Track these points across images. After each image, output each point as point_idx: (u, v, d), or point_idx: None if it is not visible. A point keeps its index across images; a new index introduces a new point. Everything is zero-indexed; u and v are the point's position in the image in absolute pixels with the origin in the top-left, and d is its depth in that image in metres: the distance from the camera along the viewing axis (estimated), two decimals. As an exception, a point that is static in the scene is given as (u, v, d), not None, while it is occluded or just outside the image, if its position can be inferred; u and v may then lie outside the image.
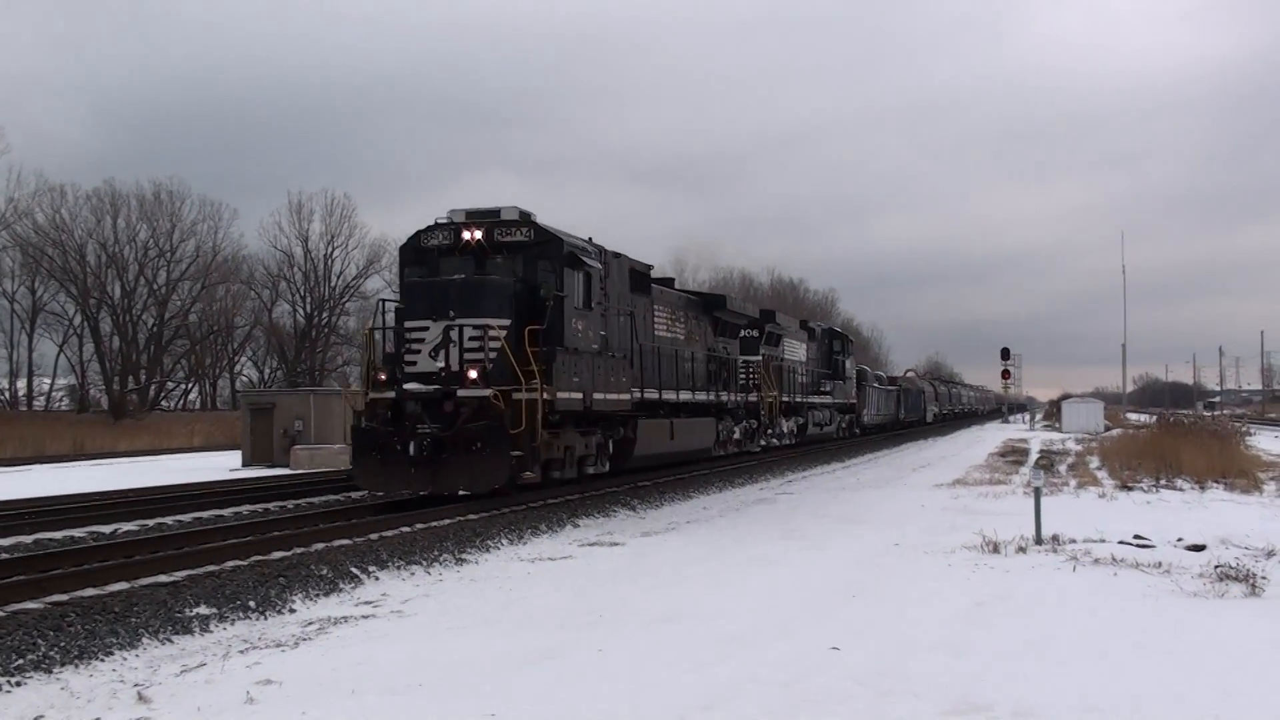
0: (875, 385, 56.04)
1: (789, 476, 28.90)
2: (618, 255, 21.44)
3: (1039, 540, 13.88)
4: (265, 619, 10.18)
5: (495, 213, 18.48)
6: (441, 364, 16.92)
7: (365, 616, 10.24)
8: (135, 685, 7.78)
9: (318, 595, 11.14)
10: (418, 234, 18.89)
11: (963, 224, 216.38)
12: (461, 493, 16.95)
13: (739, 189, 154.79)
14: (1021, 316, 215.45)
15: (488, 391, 16.47)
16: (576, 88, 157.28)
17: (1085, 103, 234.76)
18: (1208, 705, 6.96)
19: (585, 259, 18.96)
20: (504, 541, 14.94)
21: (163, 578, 10.75)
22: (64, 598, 9.74)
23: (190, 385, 74.70)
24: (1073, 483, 24.05)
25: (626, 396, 20.55)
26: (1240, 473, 24.72)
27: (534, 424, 16.74)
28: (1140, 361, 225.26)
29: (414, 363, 17.23)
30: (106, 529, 15.39)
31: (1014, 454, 37.42)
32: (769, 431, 33.52)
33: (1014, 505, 18.79)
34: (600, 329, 19.71)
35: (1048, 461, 30.95)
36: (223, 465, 32.49)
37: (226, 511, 17.49)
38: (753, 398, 31.14)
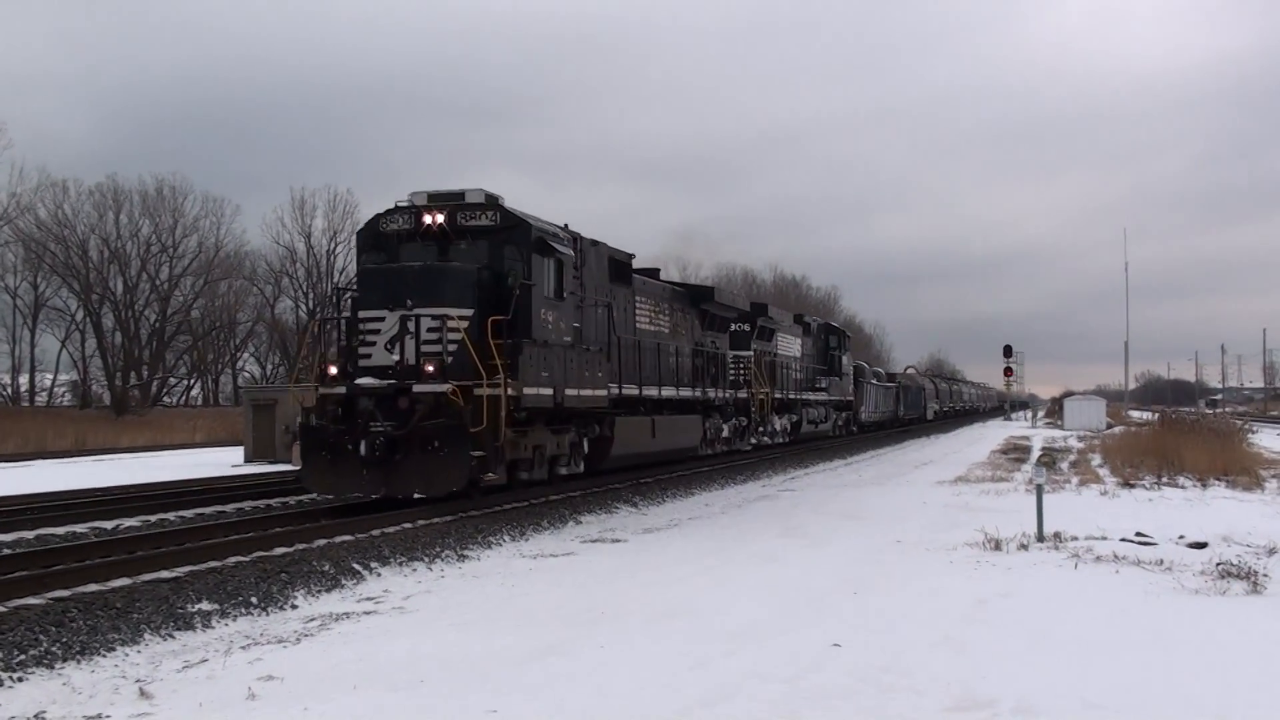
0: (873, 382, 55.19)
1: (791, 473, 28.91)
2: (595, 243, 20.43)
3: (1041, 537, 13.87)
4: (267, 615, 10.19)
5: (460, 195, 17.30)
6: (398, 357, 15.74)
7: (367, 613, 10.25)
8: (137, 681, 7.79)
9: (320, 591, 11.15)
10: (377, 218, 17.70)
11: (965, 222, 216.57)
12: (417, 496, 15.77)
13: (741, 187, 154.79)
14: (1024, 314, 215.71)
15: (445, 387, 15.30)
16: (580, 85, 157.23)
17: (1087, 100, 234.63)
18: (1209, 702, 6.95)
19: (556, 245, 17.80)
20: (506, 538, 14.95)
21: (165, 573, 10.75)
22: (66, 593, 9.74)
23: (192, 381, 74.81)
24: (1075, 480, 24.05)
25: (603, 392, 19.50)
26: (1242, 470, 24.71)
27: (497, 422, 15.58)
28: (1142, 359, 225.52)
29: (368, 355, 16.02)
30: (109, 524, 15.40)
31: (1016, 451, 37.41)
32: (760, 430, 32.50)
33: (1016, 503, 18.79)
34: (574, 320, 18.59)
35: (1050, 459, 30.92)
36: (225, 461, 32.53)
37: (229, 507, 17.49)
38: (743, 394, 30.18)
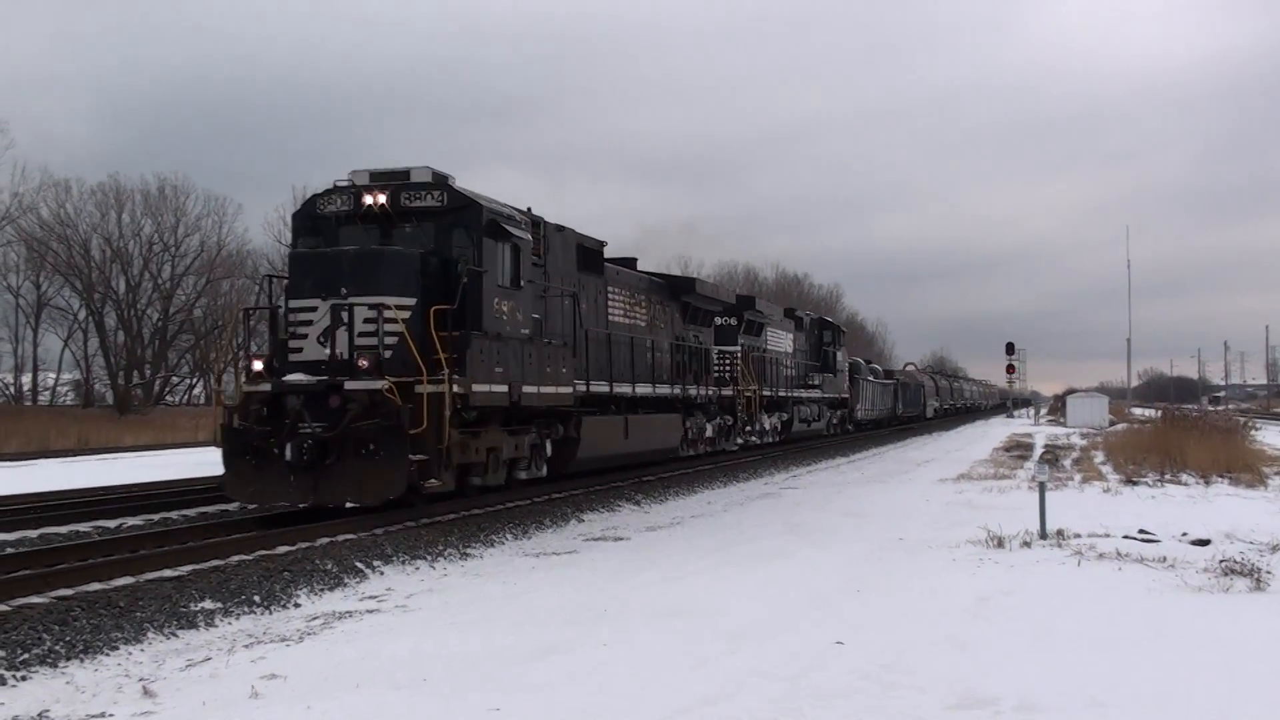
0: (869, 379, 53.67)
1: (793, 471, 28.92)
2: (561, 228, 19.17)
3: (1043, 535, 13.87)
4: (270, 614, 10.20)
5: (404, 174, 15.87)
6: (339, 350, 14.35)
7: (370, 611, 10.26)
8: (140, 680, 7.80)
9: (322, 590, 11.16)
10: (313, 198, 16.21)
11: (967, 219, 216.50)
12: (349, 505, 14.50)
13: (743, 185, 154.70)
14: (1026, 311, 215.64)
15: (380, 383, 13.97)
16: (581, 84, 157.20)
17: (1090, 98, 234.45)
18: (1212, 699, 6.95)
19: (511, 229, 16.34)
20: (508, 536, 14.96)
21: (168, 572, 10.76)
22: (69, 592, 9.75)
23: (195, 380, 74.79)
24: (1077, 478, 24.03)
25: (567, 390, 18.03)
26: (1245, 467, 24.69)
27: (440, 422, 14.16)
28: (1145, 356, 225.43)
29: (299, 349, 14.68)
30: (112, 524, 15.41)
31: (1018, 449, 37.39)
32: (747, 429, 30.96)
33: (1018, 500, 18.78)
34: (533, 311, 17.26)
35: (1052, 456, 30.91)
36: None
37: (231, 506, 17.50)
38: (728, 392, 28.83)
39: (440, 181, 15.89)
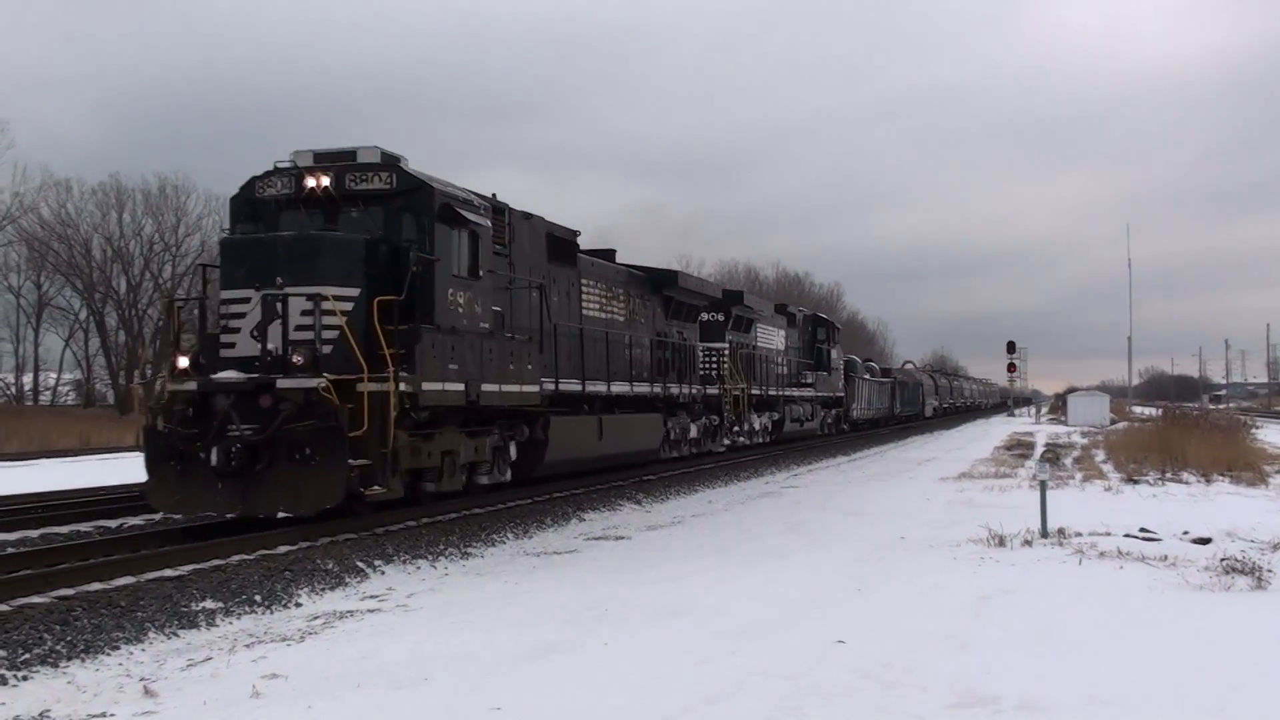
0: (866, 377, 52.28)
1: (794, 470, 28.93)
2: (528, 216, 18.00)
3: (1045, 534, 13.86)
4: (271, 613, 10.20)
5: (351, 154, 14.71)
6: (272, 345, 13.24)
7: (370, 611, 10.26)
8: (141, 679, 7.79)
9: (323, 589, 11.16)
10: (252, 181, 15.01)
11: (968, 218, 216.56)
12: (282, 515, 13.40)
13: (744, 184, 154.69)
14: (1027, 310, 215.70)
15: (315, 381, 12.84)
16: (583, 83, 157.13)
17: (1091, 96, 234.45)
18: (1213, 698, 6.95)
19: (468, 214, 15.16)
20: (509, 536, 14.96)
21: (169, 572, 10.76)
22: (70, 592, 9.75)
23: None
24: (1078, 476, 24.03)
25: (533, 388, 16.82)
26: (1246, 466, 24.70)
27: (385, 424, 13.10)
28: (1146, 355, 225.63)
29: (232, 344, 13.56)
30: (112, 523, 15.41)
31: (1019, 447, 37.39)
32: (735, 429, 29.75)
33: (1019, 499, 18.77)
34: (494, 304, 16.03)
35: (1053, 455, 30.92)
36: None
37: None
38: (714, 390, 27.64)
39: (389, 163, 14.69)
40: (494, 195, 16.90)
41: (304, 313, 13.30)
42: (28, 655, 8.15)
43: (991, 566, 12.03)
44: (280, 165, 14.87)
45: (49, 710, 7.11)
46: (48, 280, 62.67)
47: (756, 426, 32.24)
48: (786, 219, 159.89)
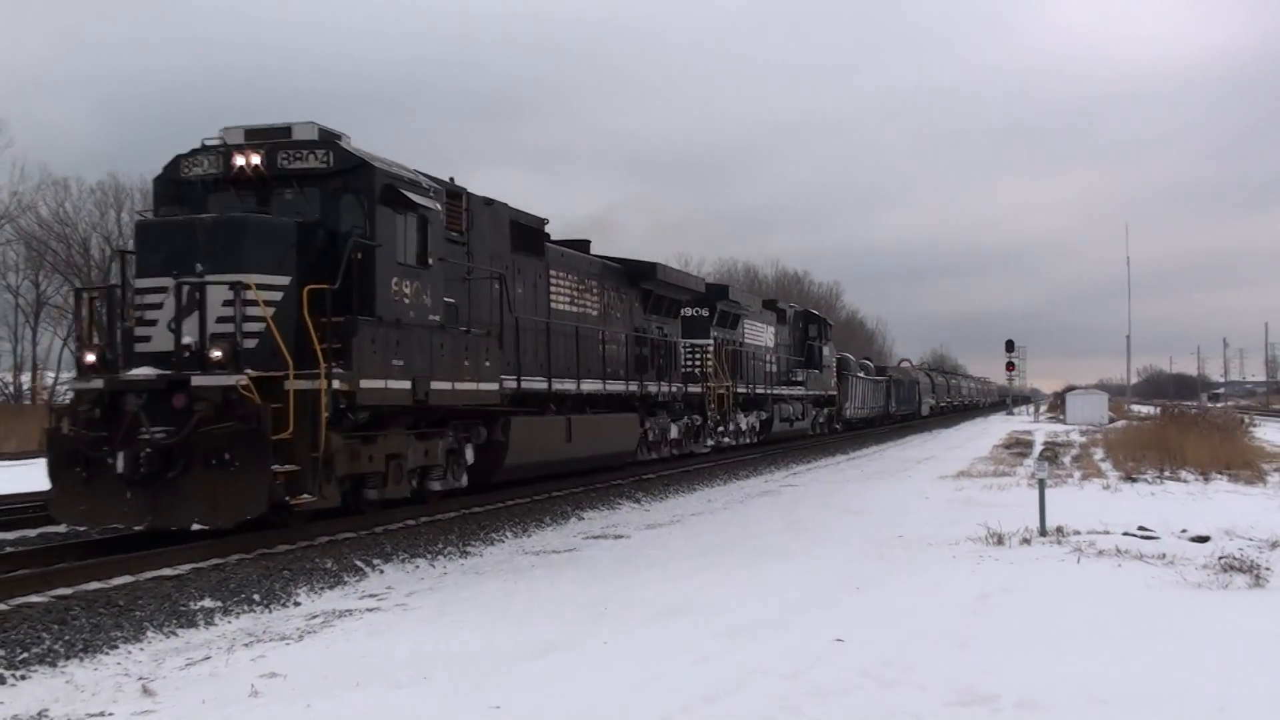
0: (860, 375, 51.22)
1: (793, 469, 28.94)
2: (490, 201, 17.02)
3: (1043, 532, 13.86)
4: (270, 612, 10.20)
5: (285, 130, 13.52)
6: (189, 339, 12.01)
7: (369, 609, 10.25)
8: (140, 679, 7.79)
9: (322, 588, 11.15)
10: (176, 160, 13.70)
11: (968, 217, 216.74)
12: (197, 527, 12.15)
13: (743, 182, 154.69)
14: (1026, 309, 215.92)
15: (233, 379, 11.75)
16: (581, 81, 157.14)
17: (1090, 94, 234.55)
18: (1212, 696, 6.95)
19: (416, 197, 14.05)
20: (508, 534, 14.96)
21: (167, 571, 10.76)
22: (68, 591, 9.75)
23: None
24: (1077, 474, 24.03)
25: (492, 386, 15.73)
26: (1244, 464, 24.72)
27: (315, 425, 12.07)
28: (1144, 353, 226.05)
29: (147, 338, 12.43)
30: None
31: (1018, 446, 37.41)
32: (720, 429, 28.66)
33: (1018, 497, 18.77)
34: (447, 294, 14.91)
35: (1052, 453, 30.92)
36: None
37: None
38: (696, 388, 26.54)
39: (327, 139, 13.49)
40: (451, 179, 15.99)
41: (225, 303, 12.18)
42: (26, 654, 8.14)
43: (990, 565, 12.03)
44: (209, 142, 13.67)
45: (47, 709, 7.10)
46: (46, 279, 62.62)
47: (743, 426, 31.33)
48: (785, 218, 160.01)
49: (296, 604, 10.56)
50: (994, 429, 56.45)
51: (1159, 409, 56.07)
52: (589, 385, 20.21)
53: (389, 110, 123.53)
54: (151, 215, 14.07)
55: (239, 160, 13.30)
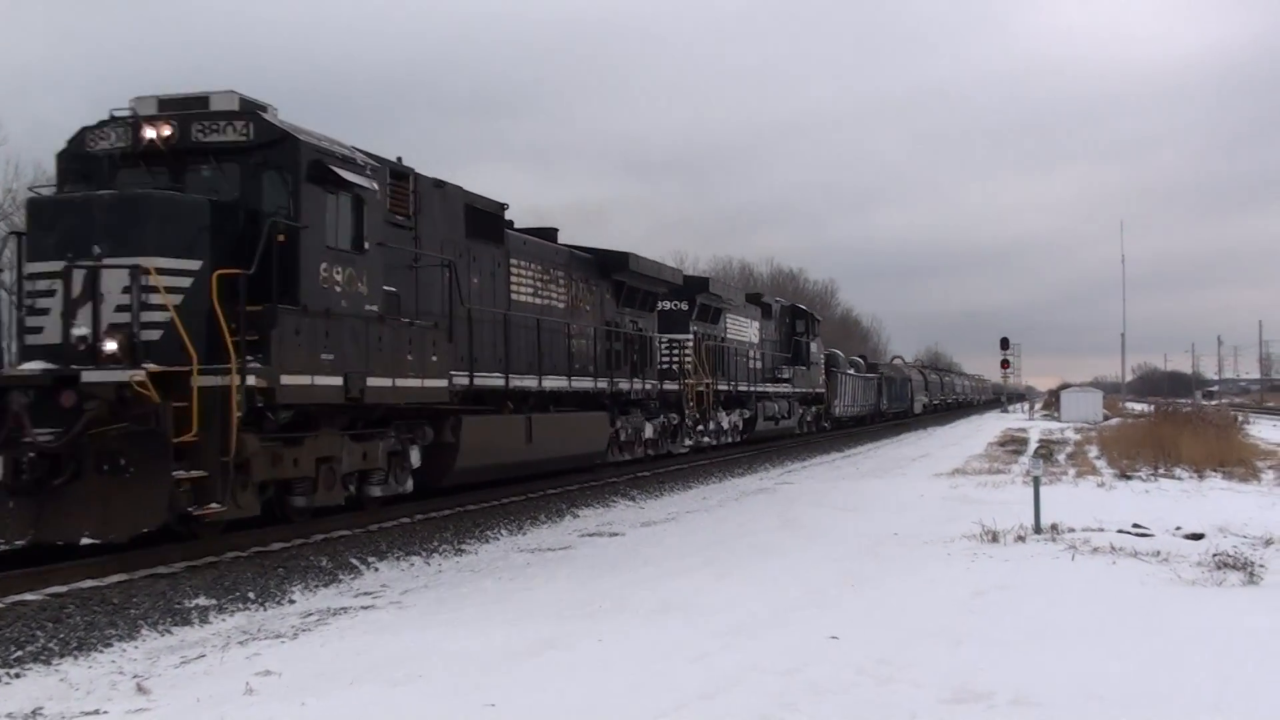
0: (849, 372, 49.95)
1: (788, 466, 28.96)
2: (441, 183, 15.89)
3: (1038, 529, 13.88)
4: (264, 610, 10.19)
5: (202, 100, 12.33)
6: (82, 330, 10.85)
7: (364, 607, 10.25)
8: (135, 676, 7.78)
9: (317, 586, 11.14)
10: (81, 133, 12.43)
11: (963, 215, 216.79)
12: (87, 542, 10.71)
13: (739, 180, 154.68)
14: (1021, 306, 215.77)
15: (129, 374, 10.50)
16: (577, 78, 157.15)
17: (1086, 92, 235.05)
18: (1206, 693, 6.96)
19: (349, 175, 12.77)
20: (503, 532, 14.96)
21: (162, 569, 10.73)
22: (63, 589, 9.73)
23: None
24: (1072, 472, 24.07)
25: (439, 383, 14.46)
26: (1238, 461, 24.79)
27: (226, 426, 10.85)
28: (1139, 351, 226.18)
29: (39, 329, 11.23)
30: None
31: (1013, 443, 37.45)
32: (699, 428, 27.33)
33: (1013, 495, 18.79)
34: (386, 283, 13.78)
35: (1047, 451, 30.97)
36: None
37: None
38: (674, 386, 25.24)
39: (248, 110, 12.29)
40: (399, 158, 14.92)
41: (125, 290, 10.98)
42: (20, 653, 8.13)
43: (985, 562, 12.05)
44: (118, 113, 12.38)
45: (42, 708, 7.09)
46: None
47: (725, 425, 30.06)
48: (781, 216, 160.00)
49: (291, 602, 10.55)
50: (989, 427, 56.50)
51: (1153, 407, 56.18)
52: (552, 382, 18.82)
53: (386, 105, 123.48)
54: (48, 192, 12.81)
55: (149, 132, 12.03)
